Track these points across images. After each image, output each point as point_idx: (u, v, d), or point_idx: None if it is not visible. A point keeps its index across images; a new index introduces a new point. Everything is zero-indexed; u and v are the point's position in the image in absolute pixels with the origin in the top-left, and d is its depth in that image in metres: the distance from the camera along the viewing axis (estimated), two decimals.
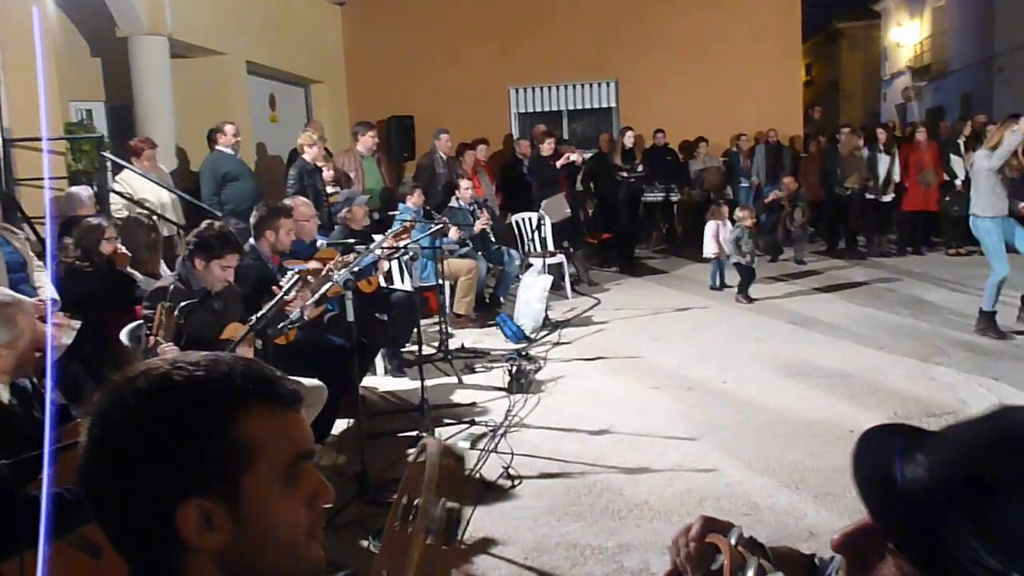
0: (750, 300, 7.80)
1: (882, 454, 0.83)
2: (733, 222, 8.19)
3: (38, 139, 6.23)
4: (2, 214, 4.95)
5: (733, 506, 3.63)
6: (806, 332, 6.68)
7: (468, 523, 1.20)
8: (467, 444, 4.47)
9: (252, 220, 4.69)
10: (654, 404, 5.08)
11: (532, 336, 6.74)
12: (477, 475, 4.06)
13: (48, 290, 4.78)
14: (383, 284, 5.89)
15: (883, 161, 10.22)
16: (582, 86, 12.52)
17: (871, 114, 22.57)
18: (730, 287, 8.49)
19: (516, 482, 3.99)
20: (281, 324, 3.63)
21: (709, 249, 8.50)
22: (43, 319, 4.28)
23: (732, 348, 6.26)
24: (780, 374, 5.54)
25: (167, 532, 0.88)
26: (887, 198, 10.26)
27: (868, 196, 10.20)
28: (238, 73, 9.69)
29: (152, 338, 3.00)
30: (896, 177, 10.22)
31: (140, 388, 0.90)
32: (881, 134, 10.43)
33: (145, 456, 0.88)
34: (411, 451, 1.16)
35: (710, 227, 8.51)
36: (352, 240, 5.39)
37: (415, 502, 1.09)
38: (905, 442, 0.82)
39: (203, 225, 3.97)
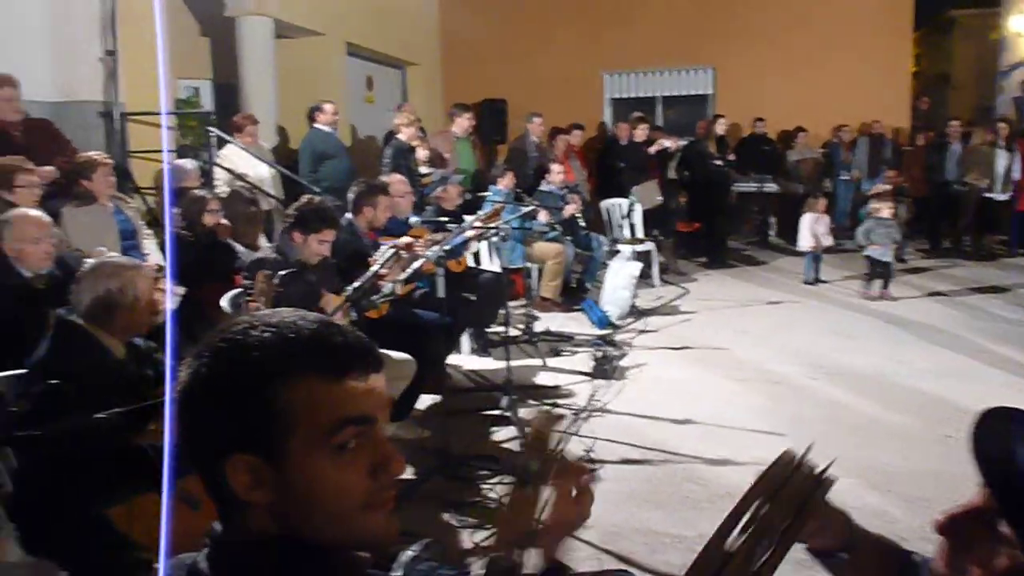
0: (878, 297, 7.47)
1: (1005, 433, 0.83)
2: (830, 215, 7.96)
3: (151, 113, 6.51)
4: (116, 184, 5.20)
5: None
6: (901, 332, 6.44)
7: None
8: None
9: (351, 196, 4.81)
10: (739, 397, 4.99)
11: (617, 323, 6.70)
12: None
13: (155, 257, 5.02)
14: (471, 265, 5.96)
15: (1002, 157, 9.71)
16: (678, 72, 12.32)
17: (983, 107, 21.43)
18: (824, 282, 8.26)
19: (596, 466, 3.99)
20: (374, 297, 3.72)
21: (804, 242, 8.27)
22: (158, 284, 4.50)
23: (823, 345, 6.08)
24: (871, 373, 5.36)
25: (223, 482, 0.94)
26: (1003, 196, 9.75)
27: (984, 194, 9.72)
28: (337, 54, 9.91)
29: (251, 304, 3.11)
30: (1016, 175, 9.68)
31: (214, 340, 0.96)
32: (1002, 128, 9.87)
33: (204, 405, 0.94)
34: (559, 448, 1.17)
35: (806, 219, 8.27)
36: (444, 219, 5.47)
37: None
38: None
39: (303, 200, 4.09)
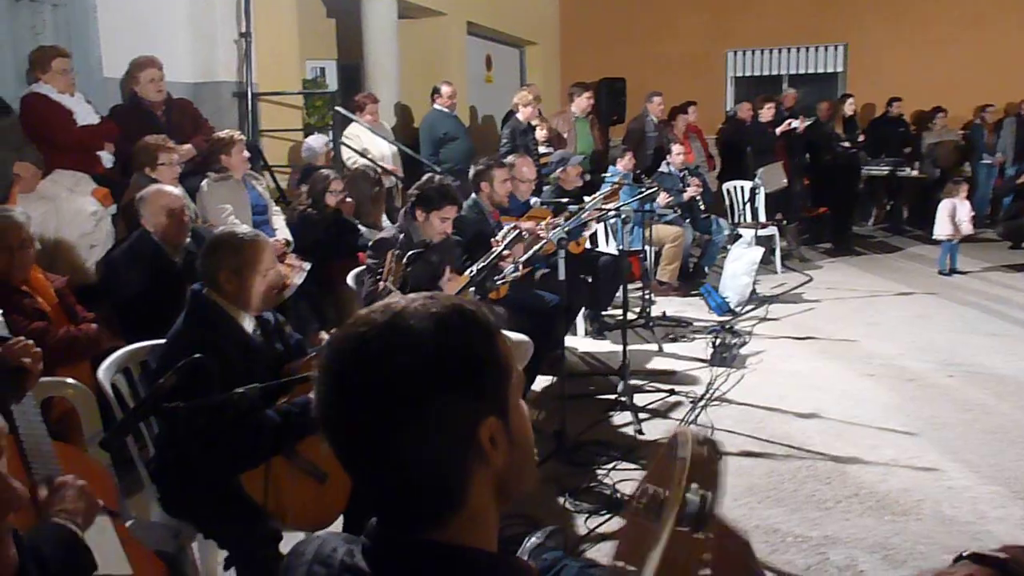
0: None
1: None
2: (970, 201, 7.42)
3: (281, 93, 6.72)
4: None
5: (956, 512, 3.34)
6: None
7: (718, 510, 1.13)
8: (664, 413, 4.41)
9: (470, 175, 4.84)
10: (868, 393, 4.76)
11: (737, 309, 6.51)
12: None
13: (283, 233, 5.19)
14: (589, 247, 5.90)
15: None
16: (805, 50, 11.80)
17: None
18: (962, 273, 7.77)
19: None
20: (496, 279, 3.73)
21: (942, 230, 7.79)
22: (281, 259, 4.67)
23: (960, 340, 5.72)
24: (1013, 374, 5.00)
25: (460, 458, 0.93)
26: None
27: None
28: (458, 33, 9.97)
29: (382, 283, 3.16)
30: None
31: (419, 313, 0.94)
32: None
33: (445, 383, 0.91)
34: (659, 439, 1.12)
35: (945, 206, 7.79)
36: (564, 200, 5.43)
37: (664, 494, 1.05)
38: None
39: (424, 178, 4.13)
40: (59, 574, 1.47)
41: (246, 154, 5.12)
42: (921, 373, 5.05)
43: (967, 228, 7.77)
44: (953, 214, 7.69)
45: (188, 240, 3.89)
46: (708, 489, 1.05)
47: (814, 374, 5.10)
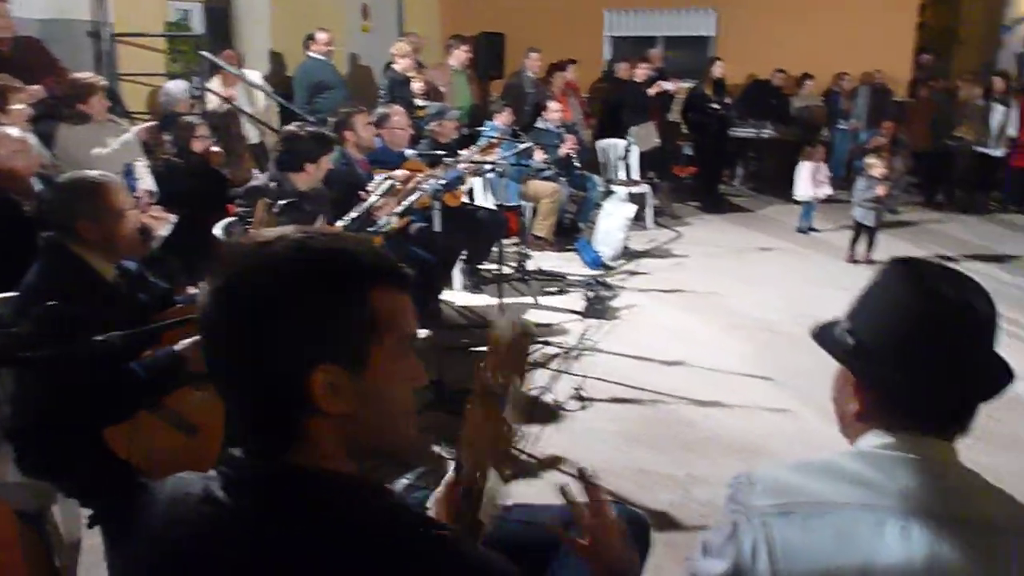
0: (858, 261, 7.12)
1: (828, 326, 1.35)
2: (828, 165, 7.83)
3: (141, 35, 6.34)
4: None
5: (807, 449, 3.60)
6: None
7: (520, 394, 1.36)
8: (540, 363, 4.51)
9: (332, 125, 4.72)
10: (730, 342, 5.02)
11: (610, 264, 6.70)
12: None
13: (148, 183, 4.93)
14: (466, 201, 5.90)
15: (998, 112, 9.62)
16: (679, 12, 12.09)
17: (987, 63, 21.22)
18: (817, 231, 8.25)
19: (586, 404, 4.03)
20: (369, 230, 3.69)
21: (801, 191, 8.24)
22: (145, 211, 4.44)
23: (816, 293, 6.10)
24: None
25: (296, 393, 0.92)
26: (998, 152, 9.69)
27: (978, 149, 9.66)
28: None
29: (250, 233, 3.07)
30: (1012, 131, 9.61)
31: (281, 251, 0.93)
32: (999, 83, 9.77)
33: (289, 317, 0.91)
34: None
35: (804, 168, 8.23)
36: (440, 152, 5.39)
37: (486, 381, 1.19)
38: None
39: (291, 129, 3.97)
40: None
41: (106, 101, 4.83)
42: (779, 323, 5.37)
43: (823, 190, 8.23)
44: (812, 176, 8.13)
45: (40, 187, 3.65)
46: (515, 373, 1.21)
47: (681, 325, 5.33)
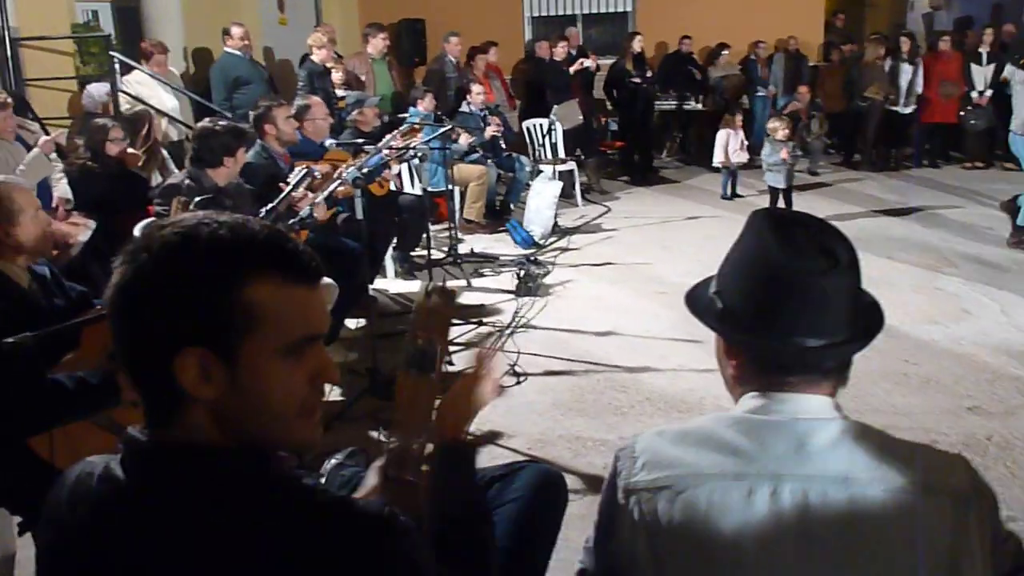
0: None
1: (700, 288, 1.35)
2: (745, 131, 8.03)
3: (47, 38, 6.17)
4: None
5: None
6: None
7: (444, 356, 1.45)
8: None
9: (251, 120, 4.68)
10: (659, 310, 5.15)
11: (541, 242, 6.78)
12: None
13: (62, 189, 4.83)
14: (393, 188, 5.91)
15: (905, 71, 9.97)
16: None
17: (897, 24, 21.86)
18: (741, 196, 8.47)
19: (521, 379, 4.10)
20: (291, 221, 3.68)
21: (718, 158, 8.46)
22: (61, 218, 4.36)
23: None
24: None
25: (167, 376, 0.94)
26: (907, 110, 10.05)
27: (888, 107, 10.00)
28: None
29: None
30: (919, 88, 9.97)
31: (165, 235, 0.96)
32: (904, 43, 10.12)
33: (155, 299, 0.93)
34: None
35: (720, 136, 8.43)
36: (361, 141, 5.38)
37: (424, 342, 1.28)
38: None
39: (207, 126, 3.92)
40: None
41: (12, 115, 4.72)
42: None
43: (740, 157, 8.45)
44: (727, 144, 8.34)
45: None
46: (439, 335, 1.29)
47: (612, 296, 5.45)
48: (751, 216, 1.29)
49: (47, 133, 5.75)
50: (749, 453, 1.16)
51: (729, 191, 8.51)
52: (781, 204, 7.37)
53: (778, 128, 7.37)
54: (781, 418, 1.18)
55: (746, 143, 8.70)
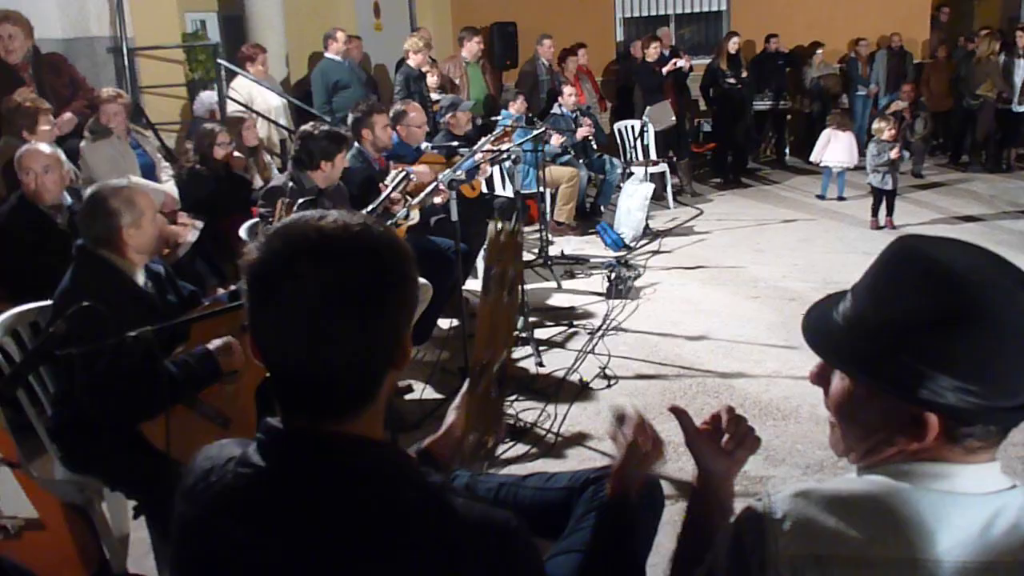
0: (882, 227, 7.07)
1: (819, 309, 1.16)
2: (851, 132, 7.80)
3: (160, 47, 6.49)
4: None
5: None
6: None
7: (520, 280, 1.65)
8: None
9: (349, 124, 4.80)
10: (753, 313, 5.05)
11: (632, 244, 6.74)
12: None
13: (172, 191, 5.07)
14: (485, 190, 5.97)
15: (1020, 68, 9.46)
16: None
17: (1009, 17, 20.77)
18: (845, 199, 8.21)
19: (612, 382, 4.09)
20: (387, 223, 3.77)
21: (816, 156, 8.23)
22: (173, 219, 4.59)
23: (838, 261, 6.09)
24: None
25: (381, 382, 1.06)
26: (1021, 108, 9.54)
27: (1000, 106, 9.52)
28: None
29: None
30: None
31: (364, 232, 1.04)
32: (1020, 37, 9.58)
33: (392, 291, 1.04)
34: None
35: (823, 135, 8.20)
36: (455, 144, 5.46)
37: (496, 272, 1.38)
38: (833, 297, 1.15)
39: (307, 127, 4.05)
40: None
41: (126, 113, 4.97)
42: (802, 292, 5.37)
43: (846, 157, 8.19)
44: (831, 143, 8.11)
45: (70, 200, 3.80)
46: (509, 264, 1.38)
47: (704, 300, 5.37)
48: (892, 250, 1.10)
49: (159, 138, 6.07)
50: (927, 534, 0.98)
51: (836, 193, 8.24)
52: (884, 207, 7.12)
53: (884, 128, 7.10)
54: (965, 491, 1.01)
55: (855, 145, 8.41)
